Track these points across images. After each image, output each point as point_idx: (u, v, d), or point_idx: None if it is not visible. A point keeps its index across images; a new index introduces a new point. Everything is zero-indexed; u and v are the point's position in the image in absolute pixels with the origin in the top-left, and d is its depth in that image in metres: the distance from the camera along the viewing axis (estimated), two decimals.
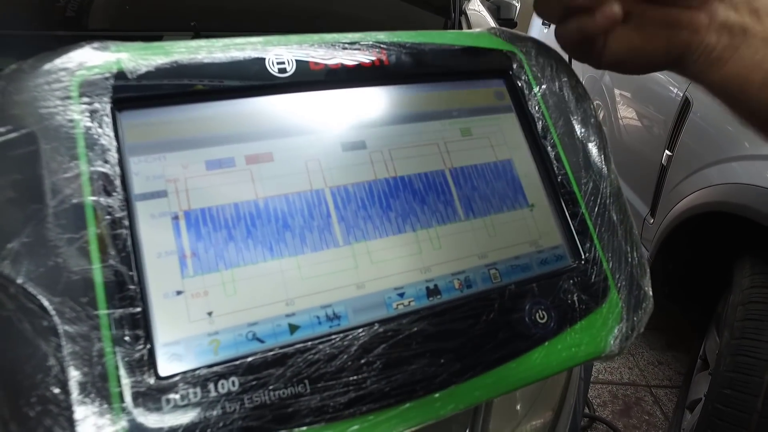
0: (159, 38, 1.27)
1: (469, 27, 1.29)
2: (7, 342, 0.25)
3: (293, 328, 0.30)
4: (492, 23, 1.51)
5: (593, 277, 0.38)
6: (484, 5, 1.60)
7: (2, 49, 1.39)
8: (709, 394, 1.16)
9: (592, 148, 0.42)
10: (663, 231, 1.62)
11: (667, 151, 1.68)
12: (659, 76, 1.85)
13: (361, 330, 0.30)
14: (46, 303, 0.26)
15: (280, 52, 0.35)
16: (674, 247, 1.62)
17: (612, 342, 0.36)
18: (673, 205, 1.59)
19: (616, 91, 2.21)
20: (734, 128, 1.40)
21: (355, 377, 0.29)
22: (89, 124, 0.30)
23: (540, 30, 3.43)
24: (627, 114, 2.13)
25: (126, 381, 0.26)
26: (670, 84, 1.74)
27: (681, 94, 1.64)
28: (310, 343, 0.29)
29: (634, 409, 1.73)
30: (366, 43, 0.38)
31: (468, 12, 1.40)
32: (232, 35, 1.14)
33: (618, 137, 2.17)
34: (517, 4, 1.82)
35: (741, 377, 1.06)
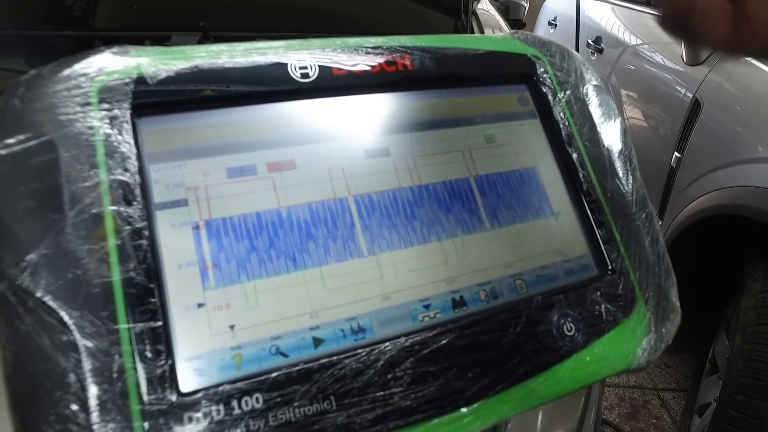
0: (167, 38, 1.26)
1: (480, 28, 1.28)
2: (26, 357, 0.25)
3: (317, 342, 0.29)
4: (502, 24, 1.50)
5: (620, 287, 0.37)
6: (493, 6, 1.59)
7: (11, 48, 1.39)
8: (721, 400, 1.15)
9: (618, 155, 0.41)
10: (671, 233, 1.61)
11: (676, 153, 1.67)
12: (667, 76, 1.83)
13: (387, 344, 0.29)
14: (65, 317, 0.25)
15: (303, 57, 0.34)
16: (683, 249, 1.60)
17: (640, 354, 0.35)
18: (682, 208, 1.58)
19: (623, 92, 2.20)
20: (745, 130, 1.39)
21: (381, 393, 0.28)
22: (109, 131, 0.29)
23: (546, 30, 3.41)
24: (634, 115, 2.12)
25: (147, 398, 0.25)
26: (680, 85, 1.72)
27: (691, 96, 1.62)
28: (335, 357, 0.28)
29: (641, 412, 1.72)
30: (389, 47, 0.37)
31: (478, 12, 1.39)
32: (240, 35, 1.13)
33: None
34: (525, 5, 1.81)
35: (754, 383, 1.05)
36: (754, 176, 1.30)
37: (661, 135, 1.80)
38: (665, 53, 1.89)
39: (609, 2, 2.59)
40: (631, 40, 2.23)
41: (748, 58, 1.49)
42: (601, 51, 2.42)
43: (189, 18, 1.31)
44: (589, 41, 2.52)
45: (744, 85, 1.46)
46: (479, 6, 1.46)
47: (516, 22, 1.74)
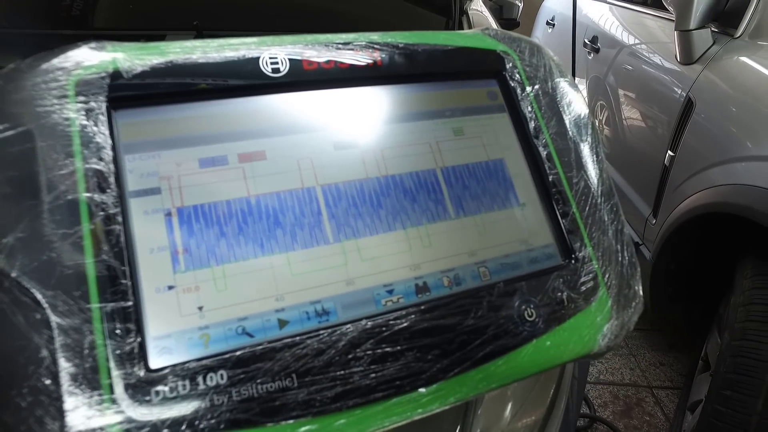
0: (162, 37, 1.28)
1: (471, 27, 1.29)
2: (1, 334, 0.26)
3: (282, 323, 0.31)
4: (493, 23, 1.51)
5: (583, 275, 0.38)
6: (486, 5, 1.60)
7: (10, 47, 1.40)
8: (709, 396, 1.16)
9: (585, 148, 0.42)
10: (665, 231, 1.62)
11: (669, 152, 1.67)
12: (663, 76, 1.84)
13: (349, 326, 0.31)
14: (39, 296, 0.27)
15: (274, 52, 0.36)
16: (676, 247, 1.61)
17: (600, 340, 0.37)
18: (675, 206, 1.59)
19: (620, 91, 2.21)
20: (737, 129, 1.40)
21: (342, 372, 0.30)
22: (85, 122, 0.31)
23: (544, 29, 3.42)
24: (631, 114, 2.13)
25: (116, 373, 0.27)
26: (674, 84, 1.73)
27: (684, 95, 1.63)
28: (298, 338, 0.30)
29: (635, 409, 1.73)
30: (360, 43, 0.38)
31: (470, 12, 1.40)
32: (234, 34, 1.14)
33: (622, 137, 2.16)
34: (519, 4, 1.82)
35: (741, 378, 1.05)
36: (746, 174, 1.30)
37: (657, 133, 1.81)
38: (660, 52, 1.90)
39: (606, 2, 2.60)
40: (628, 39, 2.24)
41: (742, 57, 1.50)
42: (597, 50, 2.43)
43: (184, 17, 1.33)
44: (586, 41, 2.53)
45: (736, 84, 1.46)
46: (472, 5, 1.47)
47: (510, 22, 1.75)
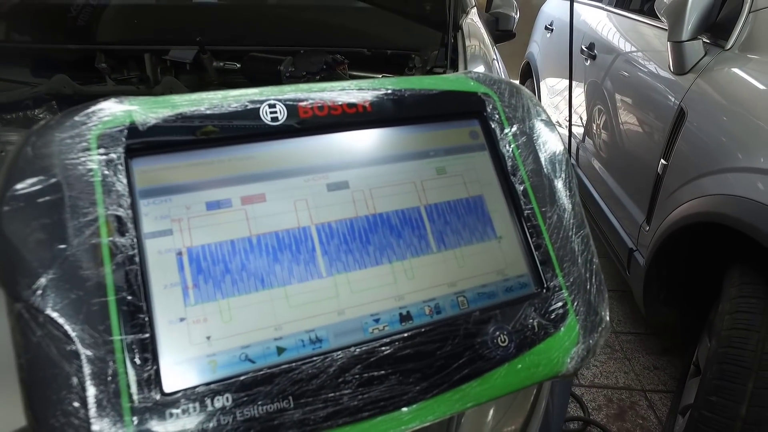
0: (166, 51, 1.32)
1: (463, 41, 1.32)
2: (37, 364, 0.30)
3: (280, 350, 0.35)
4: (485, 36, 1.55)
5: (553, 303, 0.42)
6: (482, 18, 1.64)
7: (18, 60, 1.45)
8: (697, 401, 1.19)
9: (559, 184, 0.46)
10: (658, 238, 1.65)
11: (662, 160, 1.71)
12: (657, 84, 1.88)
13: (340, 352, 0.35)
14: (69, 330, 0.31)
15: (273, 103, 0.40)
16: (669, 253, 1.65)
17: (568, 363, 0.41)
18: (668, 213, 1.63)
19: (617, 96, 2.24)
20: (728, 139, 1.43)
21: (333, 394, 0.34)
22: (106, 172, 0.35)
23: (543, 34, 3.45)
24: (626, 121, 2.16)
25: (136, 397, 0.31)
26: (667, 93, 1.77)
27: (677, 104, 1.67)
28: (294, 364, 0.34)
29: (628, 413, 1.77)
30: (351, 90, 0.42)
31: (466, 24, 1.44)
32: (234, 49, 1.19)
33: (618, 143, 2.20)
34: (515, 16, 1.85)
35: (726, 384, 1.09)
36: (736, 185, 1.34)
37: (651, 141, 1.85)
38: (655, 61, 1.93)
39: (603, 9, 2.63)
40: (624, 47, 2.27)
41: (732, 68, 1.53)
42: (594, 57, 2.47)
43: (187, 32, 1.37)
44: (583, 47, 2.57)
45: (727, 95, 1.50)
46: (467, 18, 1.51)
47: (506, 33, 1.78)
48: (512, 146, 0.46)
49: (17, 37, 1.50)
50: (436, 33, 1.24)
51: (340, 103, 0.41)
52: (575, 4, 2.04)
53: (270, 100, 0.40)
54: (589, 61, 2.53)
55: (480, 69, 1.15)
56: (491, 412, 0.51)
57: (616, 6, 2.53)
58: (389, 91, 0.43)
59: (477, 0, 1.72)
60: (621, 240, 2.00)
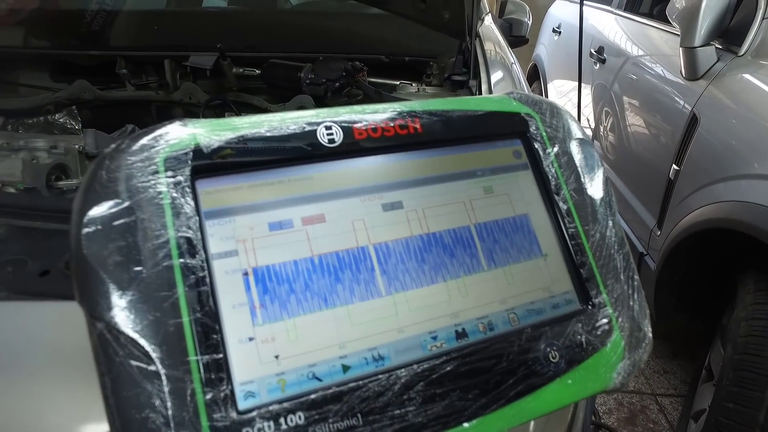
0: (185, 58, 1.33)
1: (482, 47, 1.34)
2: (120, 383, 0.31)
3: (345, 368, 0.36)
4: (501, 40, 1.56)
5: (599, 319, 0.43)
6: (496, 23, 1.65)
7: (38, 66, 1.46)
8: (712, 407, 1.20)
9: (599, 203, 0.47)
10: (670, 243, 1.67)
11: (674, 166, 1.72)
12: (667, 89, 1.89)
13: (402, 370, 0.36)
14: (150, 351, 0.32)
15: (329, 125, 0.41)
16: (680, 258, 1.66)
17: (615, 378, 0.42)
18: (679, 219, 1.64)
19: (627, 101, 2.25)
20: (742, 146, 1.44)
21: (398, 411, 0.35)
22: (174, 194, 0.36)
23: (550, 37, 3.46)
24: (635, 122, 2.17)
25: (214, 416, 0.32)
26: (678, 98, 1.78)
27: (689, 109, 1.68)
28: (361, 381, 0.35)
29: (639, 417, 1.78)
30: (401, 112, 0.43)
31: (482, 30, 1.45)
32: (254, 55, 1.20)
33: (627, 147, 2.21)
34: (528, 22, 1.86)
35: (743, 392, 1.10)
36: (750, 192, 1.35)
37: (662, 146, 1.86)
38: (666, 66, 1.94)
39: (612, 13, 2.64)
40: (633, 51, 2.28)
41: (745, 74, 1.54)
42: (603, 61, 2.48)
43: (206, 39, 1.38)
44: (592, 51, 2.58)
45: (741, 102, 1.51)
46: (483, 23, 1.52)
47: (519, 39, 1.79)
48: (555, 165, 0.47)
49: (35, 43, 1.51)
50: (453, 40, 1.25)
51: (392, 124, 0.42)
52: (584, 7, 2.05)
53: (326, 122, 0.41)
54: (598, 65, 2.54)
55: (499, 74, 1.16)
56: (532, 422, 0.52)
57: (625, 10, 2.54)
58: (438, 113, 0.44)
59: (489, 6, 1.73)
60: (631, 244, 2.01)
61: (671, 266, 1.68)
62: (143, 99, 1.34)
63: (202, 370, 0.32)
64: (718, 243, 1.53)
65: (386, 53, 1.28)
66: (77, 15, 1.53)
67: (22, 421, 0.50)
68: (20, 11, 1.57)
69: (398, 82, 1.27)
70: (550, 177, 0.46)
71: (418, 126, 0.43)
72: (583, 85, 2.55)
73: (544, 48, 3.59)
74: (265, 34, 1.42)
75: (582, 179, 0.47)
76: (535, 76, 3.71)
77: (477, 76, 1.13)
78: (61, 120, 1.35)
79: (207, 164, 0.38)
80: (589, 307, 0.43)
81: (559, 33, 3.29)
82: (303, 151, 0.40)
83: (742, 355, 1.14)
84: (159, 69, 1.37)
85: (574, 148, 0.48)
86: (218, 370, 0.33)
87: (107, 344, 0.32)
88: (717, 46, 1.66)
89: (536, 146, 0.47)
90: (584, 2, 1.97)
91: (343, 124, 0.41)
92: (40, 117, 1.33)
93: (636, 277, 0.46)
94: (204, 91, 1.30)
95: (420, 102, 0.45)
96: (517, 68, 1.31)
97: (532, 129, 0.47)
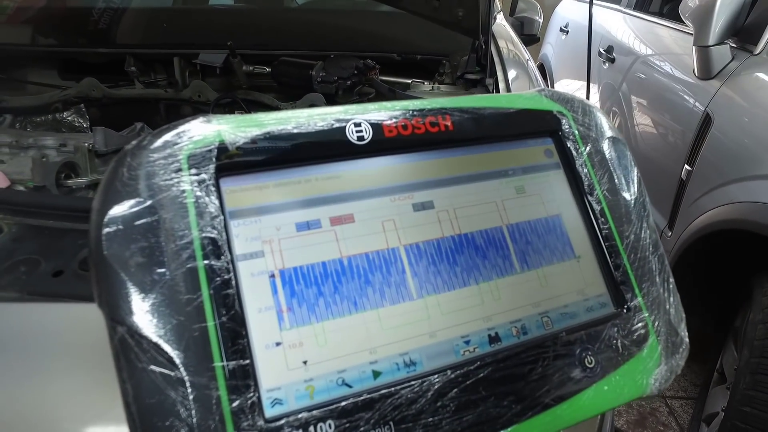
0: (195, 55, 1.32)
1: (497, 45, 1.32)
2: (143, 389, 0.30)
3: (376, 374, 0.34)
4: (514, 37, 1.54)
5: (634, 323, 0.41)
6: (508, 21, 1.63)
7: (46, 62, 1.45)
8: (728, 411, 1.19)
9: (633, 203, 0.45)
10: (681, 244, 1.65)
11: (687, 166, 1.70)
12: (678, 88, 1.87)
13: (435, 376, 0.34)
14: (173, 356, 0.30)
15: (359, 121, 0.39)
16: (692, 260, 1.64)
17: (652, 384, 0.40)
18: (692, 220, 1.62)
19: (634, 99, 2.23)
20: (757, 146, 1.42)
21: (432, 419, 0.33)
22: (198, 193, 0.34)
23: (557, 36, 3.44)
24: (645, 122, 2.15)
25: (241, 424, 0.30)
26: (691, 98, 1.76)
27: (702, 109, 1.66)
28: (393, 388, 0.33)
29: (649, 419, 1.76)
30: (431, 109, 0.42)
31: (495, 28, 1.43)
32: (264, 53, 1.19)
33: (636, 146, 2.19)
34: (539, 20, 1.84)
35: (761, 395, 1.08)
36: (765, 193, 1.33)
37: (673, 146, 1.84)
38: (677, 65, 1.92)
39: (621, 12, 2.62)
40: (643, 50, 2.26)
41: (761, 74, 1.52)
42: (613, 60, 2.45)
43: (216, 37, 1.37)
44: (601, 50, 2.55)
45: (756, 101, 1.49)
46: (495, 22, 1.50)
47: (530, 37, 1.77)
48: (588, 165, 0.45)
49: (43, 41, 1.50)
50: (466, 39, 1.24)
51: (423, 121, 0.41)
52: (593, 7, 2.03)
53: (355, 118, 0.39)
54: (607, 64, 2.52)
55: (514, 72, 1.14)
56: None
57: (635, 9, 2.52)
58: (469, 110, 0.43)
59: (500, 4, 1.71)
60: None
61: (682, 268, 1.66)
62: (152, 97, 1.33)
63: (227, 377, 0.31)
64: (731, 244, 1.50)
65: (398, 51, 1.26)
66: (85, 13, 1.52)
67: (35, 423, 0.49)
68: (29, 9, 1.56)
69: (410, 81, 1.25)
70: (583, 177, 0.44)
71: (449, 123, 0.42)
72: (591, 84, 2.52)
73: (551, 47, 3.56)
74: (275, 32, 1.41)
75: (615, 179, 0.45)
76: (542, 75, 3.69)
77: (493, 74, 1.11)
78: (69, 118, 1.34)
79: (232, 162, 0.36)
80: (624, 310, 0.42)
81: (567, 32, 3.27)
82: (331, 148, 0.38)
83: (760, 358, 1.12)
84: (168, 67, 1.36)
85: (607, 147, 0.46)
86: (244, 377, 0.31)
87: (129, 349, 0.30)
88: (731, 44, 1.63)
89: (569, 145, 0.45)
90: (593, 1, 1.94)
91: (373, 121, 0.40)
92: (48, 115, 1.32)
93: (671, 280, 0.44)
94: (213, 89, 1.28)
95: (450, 99, 0.43)
96: (532, 65, 1.29)
97: (565, 127, 0.46)
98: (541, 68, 3.70)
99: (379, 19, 1.43)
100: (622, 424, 1.76)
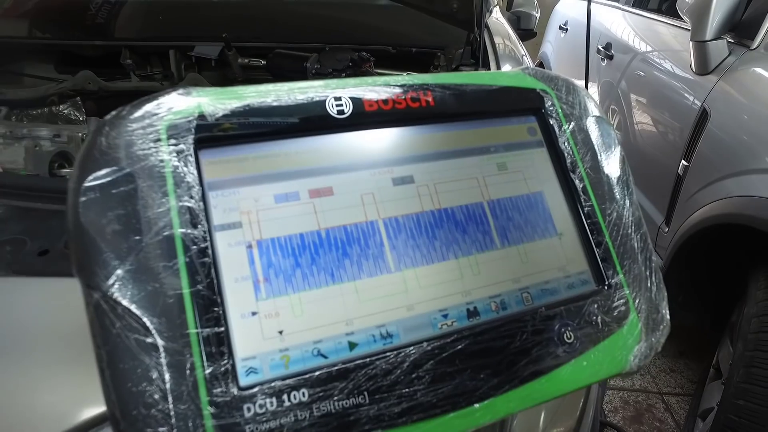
0: (191, 48, 1.32)
1: (491, 38, 1.32)
2: (117, 355, 0.30)
3: (352, 346, 0.34)
4: (511, 32, 1.54)
5: (615, 300, 0.41)
6: (504, 16, 1.63)
7: (42, 55, 1.45)
8: (722, 405, 1.18)
9: (616, 181, 0.45)
10: (678, 240, 1.64)
11: (683, 161, 1.70)
12: (676, 84, 1.86)
13: (411, 348, 0.34)
14: (148, 323, 0.30)
15: (339, 95, 0.39)
16: (689, 255, 1.63)
17: (631, 360, 0.40)
18: (688, 215, 1.61)
19: (632, 96, 2.23)
20: (753, 141, 1.42)
21: (407, 390, 0.33)
22: (176, 163, 0.34)
23: (557, 34, 3.44)
24: (642, 119, 2.15)
25: (214, 391, 0.30)
26: (688, 93, 1.75)
27: (699, 105, 1.65)
28: (368, 359, 0.33)
29: (645, 415, 1.75)
30: (413, 85, 0.42)
31: (491, 22, 1.43)
32: (259, 45, 1.19)
33: (633, 143, 2.18)
34: (536, 15, 1.84)
35: (755, 389, 1.08)
36: (763, 187, 1.32)
37: (669, 142, 1.83)
38: (675, 61, 1.92)
39: (620, 9, 2.61)
40: (642, 47, 2.26)
41: (758, 68, 1.52)
42: (611, 57, 2.45)
43: (212, 29, 1.37)
44: (600, 47, 2.55)
45: (752, 96, 1.48)
46: (491, 17, 1.50)
47: (527, 32, 1.77)
48: (571, 143, 0.45)
49: (40, 34, 1.51)
50: (461, 31, 1.24)
51: (404, 97, 0.41)
52: (591, 3, 2.03)
53: (335, 92, 0.39)
54: (605, 61, 2.52)
55: (509, 67, 1.14)
56: (542, 413, 0.51)
57: (633, 6, 2.52)
58: (452, 86, 0.43)
59: None
60: None
61: (679, 263, 1.66)
62: (148, 90, 1.33)
63: (202, 344, 0.31)
64: (728, 239, 1.50)
65: (393, 44, 1.26)
66: (82, 6, 1.52)
67: (20, 398, 0.49)
68: (26, 2, 1.56)
69: (405, 74, 1.25)
70: (566, 154, 0.44)
71: (430, 99, 0.42)
72: (590, 82, 2.52)
73: (551, 45, 3.56)
74: (270, 25, 1.41)
75: (598, 157, 0.45)
76: None
77: (486, 66, 1.11)
78: (65, 111, 1.34)
79: (211, 134, 0.36)
80: (605, 287, 0.41)
81: (566, 30, 3.27)
82: (311, 122, 0.38)
83: (754, 351, 1.12)
84: (164, 60, 1.36)
85: (591, 126, 0.46)
86: (219, 344, 0.31)
87: (104, 315, 0.30)
88: (728, 39, 1.63)
89: (551, 123, 0.45)
90: None
91: (353, 96, 0.40)
92: (44, 108, 1.32)
93: (654, 258, 0.44)
94: (209, 81, 1.29)
95: (432, 75, 0.43)
96: (528, 60, 1.29)
97: (548, 105, 0.46)
98: (541, 66, 3.70)
99: (374, 11, 1.43)
100: (618, 420, 1.76)
